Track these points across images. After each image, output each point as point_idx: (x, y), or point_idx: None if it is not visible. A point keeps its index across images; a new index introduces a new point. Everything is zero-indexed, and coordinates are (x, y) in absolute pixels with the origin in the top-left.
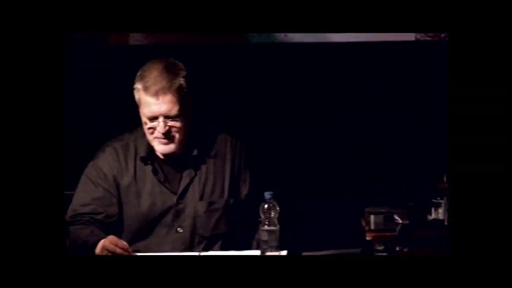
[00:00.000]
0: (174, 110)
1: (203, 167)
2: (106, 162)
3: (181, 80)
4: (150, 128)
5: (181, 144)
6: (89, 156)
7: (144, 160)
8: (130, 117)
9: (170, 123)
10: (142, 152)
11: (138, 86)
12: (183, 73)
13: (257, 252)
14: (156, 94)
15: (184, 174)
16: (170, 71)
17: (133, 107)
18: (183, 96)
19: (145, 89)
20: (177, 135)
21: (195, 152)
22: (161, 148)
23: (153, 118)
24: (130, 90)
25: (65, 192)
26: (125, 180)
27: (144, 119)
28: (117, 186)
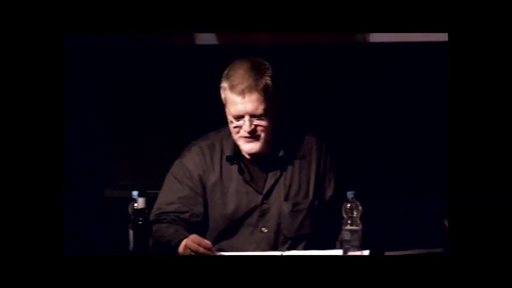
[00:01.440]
0: (260, 109)
1: (289, 168)
2: (192, 162)
3: (267, 79)
4: (235, 127)
5: (267, 144)
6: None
7: (230, 159)
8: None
9: (256, 122)
10: (228, 152)
11: (224, 84)
12: (269, 72)
13: (339, 252)
14: (242, 93)
15: (269, 175)
16: (256, 70)
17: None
18: (268, 95)
19: (232, 87)
20: (262, 134)
21: (281, 153)
22: (247, 147)
23: (239, 117)
24: (213, 90)
25: (148, 191)
26: (211, 180)
27: (230, 117)
28: (203, 185)
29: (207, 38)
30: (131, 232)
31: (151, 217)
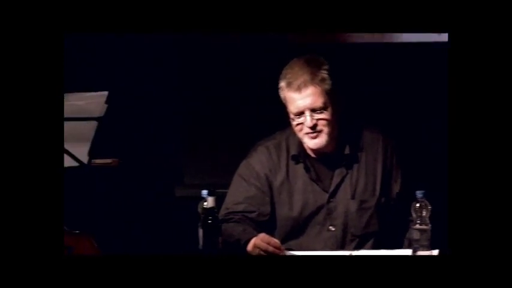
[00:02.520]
0: (319, 102)
1: (355, 166)
2: (259, 161)
3: (323, 73)
4: (298, 124)
5: (331, 139)
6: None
7: (296, 158)
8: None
9: (317, 116)
10: (293, 151)
11: (281, 84)
12: (325, 66)
13: (408, 252)
14: (298, 88)
15: (336, 173)
16: (311, 65)
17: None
18: (326, 89)
19: (288, 85)
20: (325, 129)
21: (347, 151)
22: (312, 143)
23: (300, 113)
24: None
25: (216, 191)
26: (278, 179)
27: (291, 116)
28: (270, 185)
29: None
30: (201, 231)
31: (220, 216)
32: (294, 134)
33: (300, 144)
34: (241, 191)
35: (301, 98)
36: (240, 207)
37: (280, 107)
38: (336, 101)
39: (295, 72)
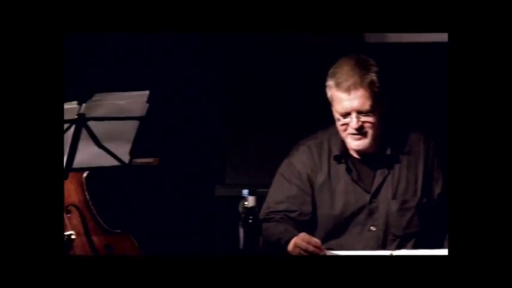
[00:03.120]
0: (367, 105)
1: (396, 166)
2: (300, 161)
3: (373, 76)
4: (343, 125)
5: (375, 141)
6: None
7: (338, 159)
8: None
9: (363, 118)
10: (336, 151)
11: (330, 83)
12: (375, 69)
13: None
14: (348, 89)
15: (377, 173)
16: (362, 67)
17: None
18: (375, 92)
19: (337, 85)
20: (370, 131)
21: (388, 151)
22: (355, 144)
23: (346, 114)
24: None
25: (257, 190)
26: (319, 179)
27: (336, 115)
28: (311, 184)
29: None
30: (241, 230)
31: (261, 216)
32: (336, 133)
33: (342, 144)
34: (282, 191)
35: (349, 99)
36: (282, 207)
37: (322, 106)
38: (382, 104)
39: (345, 72)
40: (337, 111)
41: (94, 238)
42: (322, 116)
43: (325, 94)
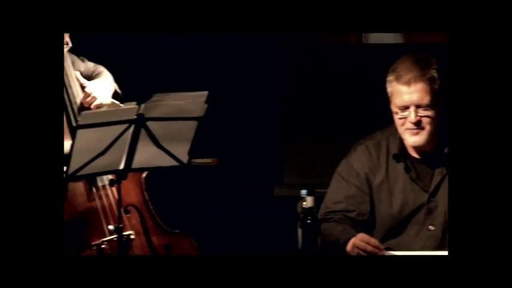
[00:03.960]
0: (426, 100)
1: None
2: (358, 161)
3: (433, 72)
4: (401, 118)
5: (432, 137)
6: None
7: (397, 158)
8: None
9: (421, 112)
10: (394, 150)
11: (390, 77)
12: (435, 65)
13: None
14: (408, 82)
15: (435, 172)
16: (422, 62)
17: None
18: (434, 88)
19: (398, 78)
20: (427, 127)
21: (446, 150)
22: (412, 140)
23: (405, 108)
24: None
25: (315, 190)
26: (377, 178)
27: (395, 109)
28: (370, 184)
29: (377, 38)
30: (300, 231)
31: (319, 216)
32: (394, 133)
33: (401, 143)
34: (341, 190)
35: (409, 92)
36: (340, 206)
37: (381, 106)
38: (441, 101)
39: (406, 66)
40: (396, 105)
41: (153, 238)
42: (380, 116)
43: (382, 94)
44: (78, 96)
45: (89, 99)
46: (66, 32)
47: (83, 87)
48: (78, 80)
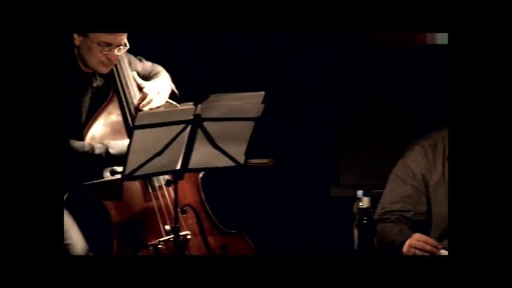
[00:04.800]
0: None
1: None
2: (415, 161)
3: None
4: None
5: None
6: None
7: None
8: None
9: None
10: None
11: None
12: None
13: None
14: None
15: None
16: None
17: None
18: None
19: None
20: None
21: None
22: None
23: None
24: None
25: (372, 191)
26: (434, 179)
27: None
28: (426, 184)
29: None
30: (356, 231)
31: (376, 216)
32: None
33: None
34: (397, 191)
35: None
36: (397, 206)
37: (437, 107)
38: None
39: None
40: None
41: (209, 238)
42: (437, 117)
43: (438, 94)
44: (135, 96)
45: (145, 101)
46: (74, 31)
47: (140, 88)
48: (135, 80)
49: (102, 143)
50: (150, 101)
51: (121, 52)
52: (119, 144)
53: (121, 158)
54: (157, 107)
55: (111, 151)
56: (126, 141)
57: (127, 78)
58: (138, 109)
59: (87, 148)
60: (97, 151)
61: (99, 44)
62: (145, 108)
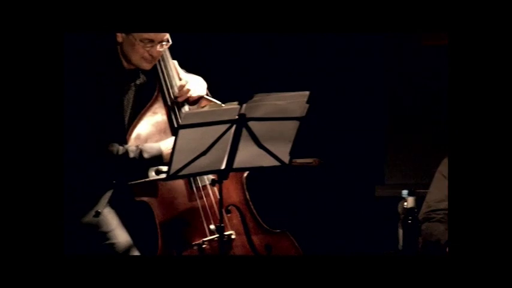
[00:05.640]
0: None
1: None
2: None
3: None
4: None
5: None
6: None
7: None
8: None
9: None
10: None
11: None
12: None
13: None
14: None
15: None
16: None
17: None
18: None
19: None
20: None
21: None
22: None
23: None
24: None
25: (416, 191)
26: None
27: None
28: None
29: None
30: (400, 231)
31: (421, 215)
32: None
33: None
34: (442, 189)
35: None
36: (442, 205)
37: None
38: None
39: None
40: None
41: (254, 238)
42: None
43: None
44: (176, 85)
45: (184, 90)
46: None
47: (179, 78)
48: (176, 69)
49: (137, 147)
50: (187, 92)
51: (163, 48)
52: (153, 148)
53: (155, 162)
54: (194, 99)
55: (145, 155)
56: (159, 144)
57: (171, 78)
58: (180, 103)
59: (121, 151)
60: (131, 155)
61: (141, 41)
62: (186, 98)
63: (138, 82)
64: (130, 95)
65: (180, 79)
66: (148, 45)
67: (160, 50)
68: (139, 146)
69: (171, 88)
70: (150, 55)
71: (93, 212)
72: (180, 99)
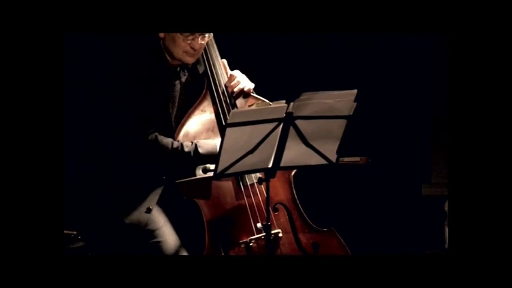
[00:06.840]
0: None
1: None
2: None
3: None
4: None
5: None
6: None
7: None
8: None
9: None
10: None
11: None
12: None
13: None
14: None
15: None
16: None
17: None
18: None
19: None
20: None
21: None
22: None
23: None
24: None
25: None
26: None
27: None
28: None
29: None
30: (447, 230)
31: None
32: None
33: None
34: None
35: None
36: None
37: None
38: None
39: None
40: None
41: (301, 236)
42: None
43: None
44: (224, 80)
45: (233, 82)
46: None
47: (226, 72)
48: (225, 67)
49: (192, 142)
50: (237, 83)
51: (205, 41)
52: (209, 144)
53: (209, 158)
54: (247, 91)
55: (200, 150)
56: (215, 141)
57: (220, 77)
58: (228, 102)
59: (176, 145)
60: (186, 149)
61: (182, 34)
62: (235, 89)
63: (183, 79)
64: (176, 93)
65: (227, 73)
66: (190, 37)
67: (202, 42)
68: (195, 142)
69: (220, 86)
70: (192, 48)
71: (144, 208)
72: (229, 90)
